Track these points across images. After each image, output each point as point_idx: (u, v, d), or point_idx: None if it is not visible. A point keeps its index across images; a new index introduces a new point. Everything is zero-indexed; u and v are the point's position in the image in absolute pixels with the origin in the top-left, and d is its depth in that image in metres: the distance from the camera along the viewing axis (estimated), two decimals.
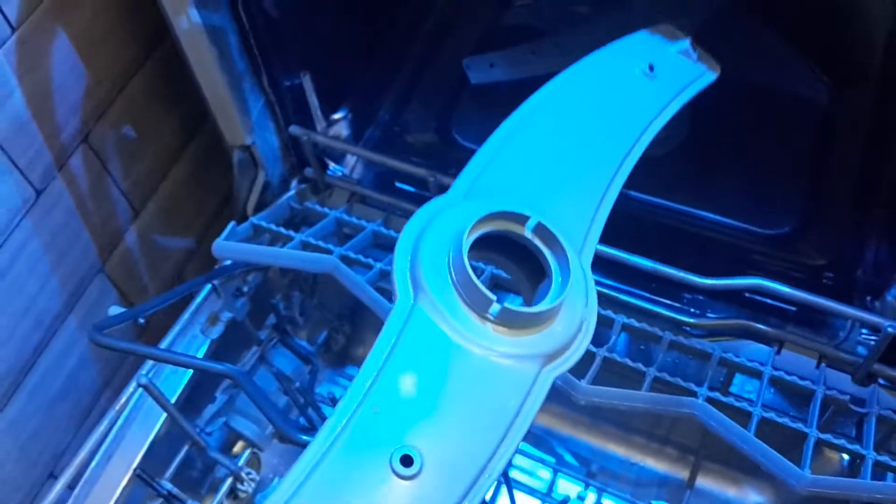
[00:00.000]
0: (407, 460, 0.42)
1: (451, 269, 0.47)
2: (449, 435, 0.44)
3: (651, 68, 0.60)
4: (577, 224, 0.52)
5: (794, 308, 0.79)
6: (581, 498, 0.90)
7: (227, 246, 0.78)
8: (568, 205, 0.52)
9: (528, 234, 0.49)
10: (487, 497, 0.85)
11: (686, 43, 0.64)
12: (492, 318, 0.46)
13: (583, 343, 0.48)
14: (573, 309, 0.48)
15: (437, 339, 0.46)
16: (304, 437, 0.73)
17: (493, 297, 0.46)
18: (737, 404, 0.65)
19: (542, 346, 0.46)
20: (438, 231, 0.49)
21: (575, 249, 0.50)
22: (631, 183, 0.91)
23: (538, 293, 0.50)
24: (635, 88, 0.58)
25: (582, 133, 0.56)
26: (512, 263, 0.51)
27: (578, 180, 0.53)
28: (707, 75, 0.62)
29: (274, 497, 0.41)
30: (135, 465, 0.75)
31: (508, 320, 0.46)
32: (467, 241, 0.47)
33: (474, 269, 0.47)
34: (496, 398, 0.45)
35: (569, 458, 0.94)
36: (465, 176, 0.54)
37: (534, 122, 0.57)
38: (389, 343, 0.46)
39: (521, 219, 0.49)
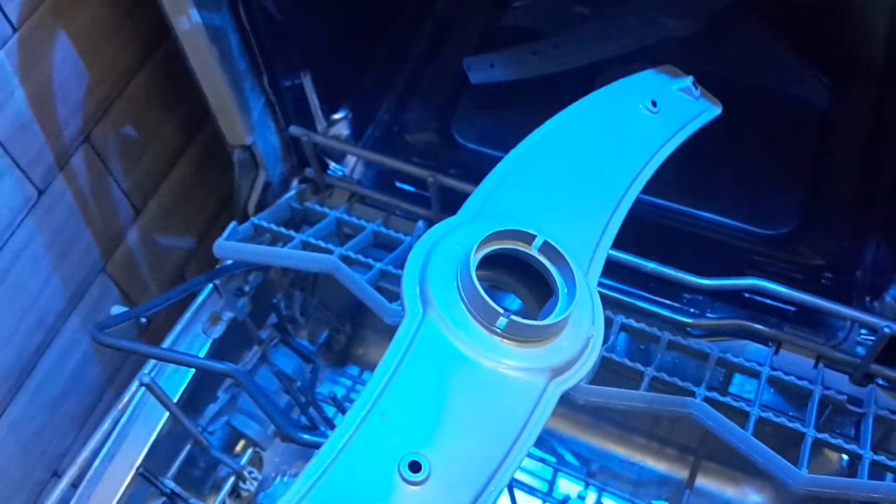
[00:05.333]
0: (415, 466, 0.43)
1: (460, 284, 0.48)
2: (457, 443, 0.45)
3: (654, 104, 0.62)
4: (582, 247, 0.53)
5: (793, 308, 0.80)
6: (581, 497, 0.90)
7: (228, 246, 0.78)
8: (574, 229, 0.54)
9: (534, 251, 0.50)
10: None
11: (688, 80, 0.66)
12: (500, 330, 0.47)
13: (590, 359, 0.49)
14: (579, 324, 0.49)
15: (446, 351, 0.47)
16: (305, 437, 0.73)
17: (501, 310, 0.47)
18: (735, 404, 0.65)
19: (549, 360, 0.47)
20: (447, 249, 0.50)
21: (581, 269, 0.52)
22: None
23: (545, 310, 0.51)
24: (639, 123, 0.60)
25: (587, 163, 0.58)
26: (520, 283, 0.52)
27: (584, 207, 0.55)
28: (711, 110, 0.64)
29: (284, 500, 0.43)
30: (138, 463, 0.76)
31: (516, 333, 0.47)
32: (475, 257, 0.48)
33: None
34: (504, 409, 0.46)
35: (569, 457, 0.94)
36: (473, 199, 0.55)
37: (541, 151, 0.59)
38: (399, 353, 0.47)
39: (529, 237, 0.50)
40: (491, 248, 0.50)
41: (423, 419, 0.45)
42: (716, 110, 0.65)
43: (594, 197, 0.56)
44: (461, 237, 0.51)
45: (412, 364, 0.47)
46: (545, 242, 0.50)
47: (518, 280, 0.52)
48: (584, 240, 0.53)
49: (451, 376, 0.46)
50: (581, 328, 0.49)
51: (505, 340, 0.47)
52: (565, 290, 0.50)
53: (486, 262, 0.50)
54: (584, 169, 0.57)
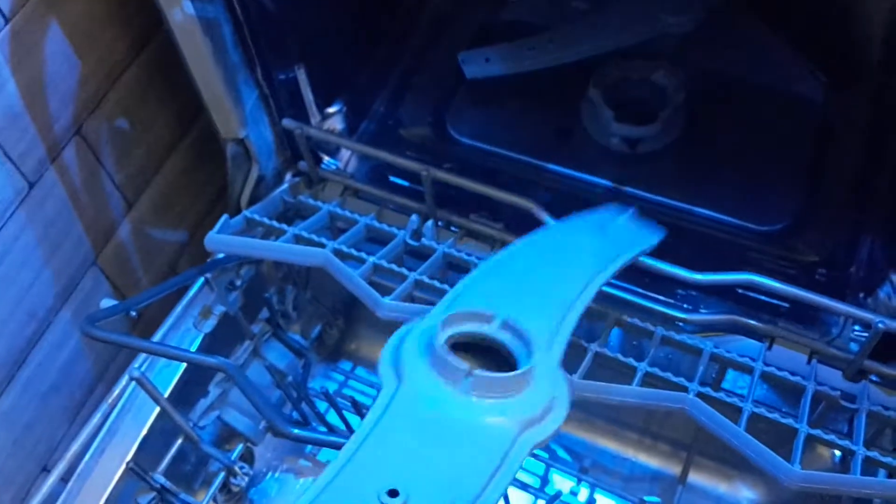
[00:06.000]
0: (392, 493, 0.47)
1: (428, 353, 0.56)
2: (433, 478, 0.50)
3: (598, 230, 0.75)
4: (544, 328, 0.60)
5: (787, 304, 0.79)
6: (574, 493, 0.90)
7: (220, 239, 0.78)
8: (536, 316, 0.61)
9: (495, 328, 0.58)
10: None
11: (631, 210, 0.78)
12: (467, 386, 0.54)
13: (558, 416, 0.56)
14: (542, 384, 0.56)
15: (421, 407, 0.54)
16: (297, 432, 0.73)
17: (465, 368, 0.54)
18: (728, 399, 0.65)
19: (515, 412, 0.54)
20: (418, 333, 0.58)
21: (541, 342, 0.59)
22: (626, 179, 0.91)
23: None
24: (591, 242, 0.73)
25: (548, 272, 0.69)
26: (491, 366, 0.58)
27: (544, 303, 0.64)
28: (652, 238, 0.75)
29: None
30: (128, 458, 0.75)
31: (482, 388, 0.54)
32: (442, 332, 0.56)
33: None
34: (478, 452, 0.52)
35: (561, 453, 0.94)
36: (444, 301, 0.63)
37: (508, 261, 0.70)
38: (377, 414, 0.53)
39: (490, 317, 0.58)
40: (457, 329, 0.57)
41: (402, 462, 0.51)
42: (657, 237, 0.76)
43: (553, 296, 0.65)
44: (431, 322, 0.59)
45: (390, 420, 0.53)
46: (503, 321, 0.58)
47: (488, 364, 0.58)
48: (545, 324, 0.61)
49: (427, 429, 0.53)
50: (544, 388, 0.56)
51: (475, 396, 0.54)
52: (524, 353, 0.57)
53: (458, 350, 0.57)
54: (546, 276, 0.68)
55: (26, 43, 0.74)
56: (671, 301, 0.80)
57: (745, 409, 0.64)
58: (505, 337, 0.58)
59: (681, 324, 0.77)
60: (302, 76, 0.89)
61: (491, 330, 0.58)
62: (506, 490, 0.51)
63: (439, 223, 0.85)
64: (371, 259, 0.75)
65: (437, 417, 0.53)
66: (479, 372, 0.54)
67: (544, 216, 0.78)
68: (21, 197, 0.78)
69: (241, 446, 0.87)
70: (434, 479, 0.50)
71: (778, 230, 0.87)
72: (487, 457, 0.51)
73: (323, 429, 0.81)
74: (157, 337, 0.80)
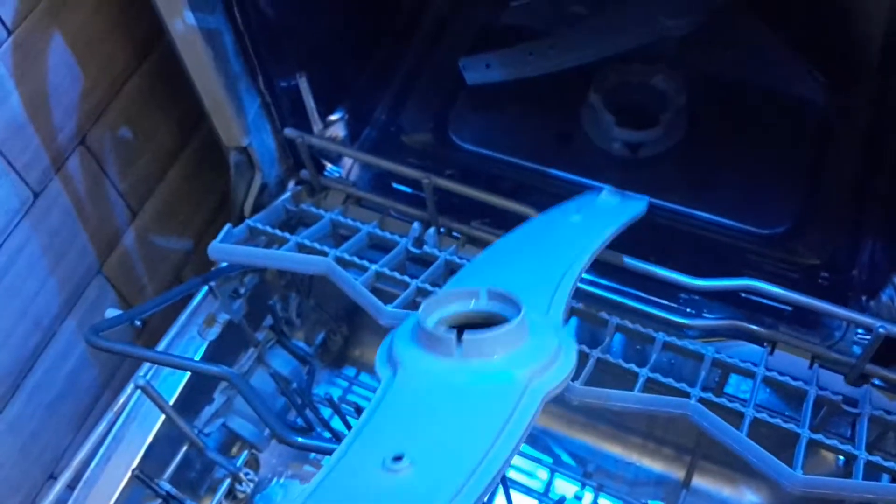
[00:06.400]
0: (397, 458, 0.46)
1: (418, 333, 0.55)
2: (440, 442, 0.48)
3: (577, 213, 0.75)
4: (538, 295, 0.60)
5: (789, 308, 0.79)
6: (578, 497, 0.90)
7: (223, 248, 0.78)
8: (527, 287, 0.60)
9: (483, 301, 0.57)
10: (484, 497, 0.85)
11: (606, 189, 0.79)
12: (460, 354, 0.52)
13: (567, 363, 0.54)
14: (544, 335, 0.55)
15: (419, 383, 0.53)
16: (300, 439, 0.73)
17: (453, 335, 0.52)
18: (730, 405, 0.65)
19: (516, 363, 0.52)
20: (407, 326, 0.58)
21: (536, 303, 0.59)
22: (627, 184, 0.92)
23: None
24: (576, 220, 0.74)
25: (534, 253, 0.69)
26: None
27: (535, 276, 0.64)
28: (637, 205, 0.77)
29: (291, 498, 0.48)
30: (134, 465, 0.76)
31: (475, 350, 0.52)
32: (427, 314, 0.55)
33: None
34: (482, 412, 0.50)
35: (566, 457, 0.94)
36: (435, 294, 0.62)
37: (491, 254, 0.70)
38: (377, 399, 0.53)
39: (475, 292, 0.57)
40: (445, 311, 0.56)
41: (407, 433, 0.50)
42: (640, 204, 0.77)
43: (544, 268, 0.65)
44: (417, 315, 0.57)
45: (391, 402, 0.52)
46: (489, 291, 0.56)
47: None
48: (539, 290, 0.61)
49: (428, 400, 0.52)
50: (546, 339, 0.54)
51: (471, 361, 0.52)
52: (515, 311, 0.55)
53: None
54: (534, 256, 0.68)
55: (29, 54, 0.75)
56: (673, 306, 0.81)
57: (747, 414, 0.64)
58: (494, 306, 0.56)
59: (683, 329, 0.77)
60: (303, 84, 0.89)
61: (479, 304, 0.57)
62: (521, 442, 0.49)
63: (441, 230, 0.86)
64: (373, 267, 0.75)
65: (437, 388, 0.52)
66: (468, 334, 0.52)
67: None
68: (26, 207, 0.79)
69: (245, 453, 0.87)
70: (440, 441, 0.49)
71: (779, 233, 0.87)
72: (494, 413, 0.49)
73: (327, 435, 0.81)
74: (161, 345, 0.81)
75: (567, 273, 0.63)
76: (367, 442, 0.49)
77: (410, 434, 0.49)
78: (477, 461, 0.46)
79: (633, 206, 0.75)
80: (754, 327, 0.76)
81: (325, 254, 0.77)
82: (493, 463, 0.47)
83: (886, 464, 0.63)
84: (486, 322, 0.56)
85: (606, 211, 0.75)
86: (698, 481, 0.88)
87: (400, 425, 0.50)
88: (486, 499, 0.46)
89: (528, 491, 0.90)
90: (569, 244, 0.67)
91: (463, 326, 0.56)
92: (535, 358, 0.52)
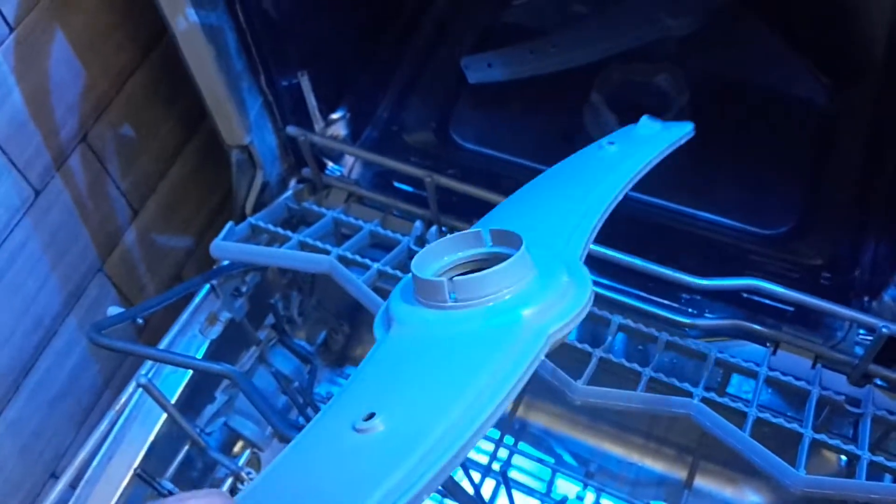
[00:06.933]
0: (368, 417, 0.41)
1: (410, 290, 0.48)
2: (418, 397, 0.43)
3: (611, 143, 0.65)
4: (557, 230, 0.53)
5: (791, 308, 0.79)
6: (580, 498, 0.90)
7: (225, 246, 0.78)
8: (548, 229, 0.54)
9: (487, 245, 0.50)
10: (486, 497, 0.85)
11: (644, 118, 0.68)
12: (454, 299, 0.46)
13: (576, 299, 0.46)
14: (552, 271, 0.47)
15: (411, 339, 0.47)
16: None
17: (444, 280, 0.46)
18: (732, 404, 0.65)
19: (516, 303, 0.45)
20: (404, 282, 0.51)
21: (551, 241, 0.52)
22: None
23: None
24: (601, 157, 0.64)
25: (560, 193, 0.61)
26: None
27: (558, 217, 0.56)
28: (678, 128, 0.67)
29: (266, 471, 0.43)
30: (136, 464, 0.75)
31: (469, 293, 0.46)
32: (419, 263, 0.48)
33: None
34: (479, 358, 0.44)
35: (567, 458, 0.94)
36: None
37: (518, 197, 0.63)
38: (364, 361, 0.47)
39: (479, 240, 0.50)
40: (444, 261, 0.50)
41: (388, 391, 0.44)
42: (684, 128, 0.67)
43: (567, 209, 0.57)
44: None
45: (378, 361, 0.47)
46: (491, 231, 0.49)
47: None
48: (559, 225, 0.53)
49: (420, 355, 0.46)
50: (553, 275, 0.47)
51: (466, 307, 0.46)
52: (516, 248, 0.48)
53: None
54: (557, 196, 0.60)
55: (31, 51, 0.74)
56: (675, 306, 0.81)
57: (749, 414, 0.64)
58: (499, 248, 0.49)
59: (685, 329, 0.77)
60: (305, 82, 0.89)
61: (482, 247, 0.50)
62: (519, 386, 0.42)
63: (443, 229, 0.86)
64: (375, 265, 0.75)
65: (427, 341, 0.46)
66: (459, 277, 0.46)
67: None
68: (27, 204, 0.78)
69: (247, 452, 0.87)
70: (420, 396, 0.43)
71: (782, 234, 0.87)
72: (488, 359, 0.43)
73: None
74: (163, 344, 0.81)
75: (594, 205, 0.55)
76: (344, 404, 0.44)
77: (391, 391, 0.44)
78: (459, 412, 0.40)
79: (675, 131, 0.67)
80: (757, 327, 0.76)
81: (327, 252, 0.77)
82: (479, 413, 0.40)
83: (889, 464, 0.63)
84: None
85: (645, 139, 0.66)
86: (700, 482, 0.87)
87: (382, 383, 0.45)
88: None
89: (529, 491, 0.90)
90: (600, 176, 0.59)
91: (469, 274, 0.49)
92: (538, 296, 0.45)
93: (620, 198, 0.57)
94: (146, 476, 0.75)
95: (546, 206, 0.59)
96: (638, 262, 0.75)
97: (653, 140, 0.65)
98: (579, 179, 0.61)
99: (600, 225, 0.55)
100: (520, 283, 0.45)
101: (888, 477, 0.64)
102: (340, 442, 0.41)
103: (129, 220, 0.93)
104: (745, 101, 0.96)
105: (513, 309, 0.45)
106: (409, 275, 0.49)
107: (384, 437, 0.40)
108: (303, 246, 0.79)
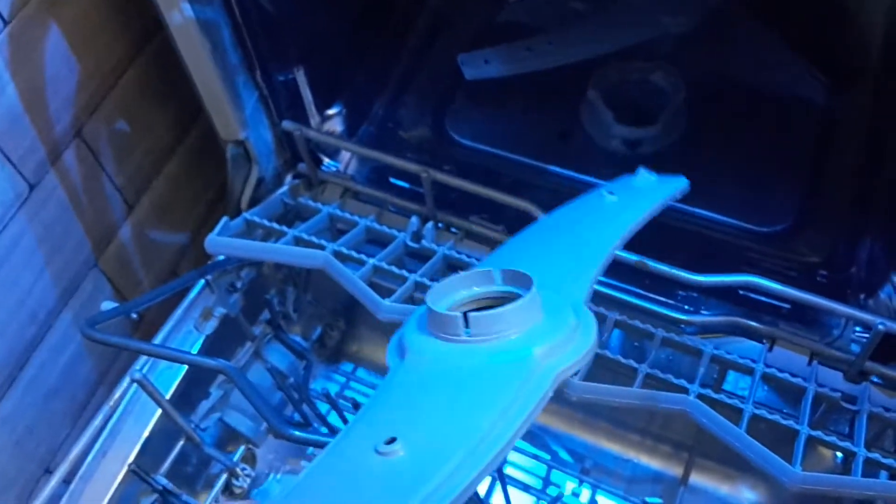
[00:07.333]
0: (390, 441, 0.44)
1: (425, 323, 0.52)
2: (437, 425, 0.46)
3: (611, 193, 0.69)
4: (563, 274, 0.57)
5: (787, 305, 0.79)
6: (575, 494, 0.90)
7: (220, 241, 0.78)
8: (551, 269, 0.58)
9: (498, 283, 0.53)
10: (482, 494, 0.85)
11: (640, 170, 0.71)
12: (468, 335, 0.50)
13: (586, 341, 0.50)
14: (560, 312, 0.51)
15: (424, 369, 0.50)
16: (297, 433, 0.73)
17: (459, 315, 0.49)
18: (729, 401, 0.65)
19: (527, 341, 0.49)
20: (416, 316, 0.55)
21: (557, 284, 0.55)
22: None
23: None
24: (603, 206, 0.68)
25: (564, 237, 0.65)
26: None
27: (562, 263, 0.60)
28: (674, 183, 0.71)
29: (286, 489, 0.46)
30: (130, 460, 0.75)
31: (484, 329, 0.49)
32: (434, 297, 0.52)
33: None
34: (488, 393, 0.47)
35: (563, 454, 0.94)
36: None
37: (514, 244, 0.66)
38: (381, 388, 0.51)
39: (489, 278, 0.53)
40: (457, 296, 0.53)
41: (406, 418, 0.47)
42: (679, 182, 0.71)
43: (571, 255, 0.61)
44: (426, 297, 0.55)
45: (393, 389, 0.50)
46: (502, 271, 0.53)
47: None
48: (565, 269, 0.58)
49: (433, 384, 0.49)
50: (562, 316, 0.51)
51: (479, 342, 0.49)
52: (527, 290, 0.52)
53: None
54: (561, 241, 0.64)
55: (25, 45, 0.74)
56: (672, 303, 0.80)
57: (745, 411, 0.64)
58: (509, 287, 0.52)
59: (682, 325, 0.77)
60: (301, 78, 0.89)
61: (492, 285, 0.53)
62: (528, 422, 0.46)
63: (439, 225, 0.85)
64: (371, 261, 0.75)
65: (442, 372, 0.49)
66: (473, 313, 0.49)
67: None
68: (22, 199, 0.78)
69: (242, 448, 0.87)
70: (439, 424, 0.46)
71: (779, 231, 0.87)
72: (501, 393, 0.46)
73: (324, 430, 0.81)
74: (158, 339, 0.81)
75: (596, 253, 0.59)
76: (365, 427, 0.48)
77: (410, 418, 0.47)
78: (475, 443, 0.44)
79: (670, 186, 0.71)
80: (753, 324, 0.76)
81: (322, 247, 0.77)
82: (492, 445, 0.44)
83: (885, 461, 0.63)
84: (502, 305, 0.52)
85: (641, 191, 0.70)
86: (696, 478, 0.87)
87: (401, 410, 0.48)
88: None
89: (525, 488, 0.90)
90: (601, 226, 0.63)
91: (478, 310, 0.52)
92: (548, 336, 0.49)
93: (620, 248, 0.62)
94: (141, 472, 0.75)
95: (551, 249, 0.63)
96: (635, 258, 0.75)
97: (649, 192, 0.69)
98: (581, 227, 0.65)
99: (601, 273, 0.59)
100: (530, 322, 0.49)
101: (884, 474, 0.64)
102: (363, 463, 0.44)
103: (124, 215, 0.92)
104: (742, 98, 0.97)
105: (524, 347, 0.48)
106: (423, 306, 0.52)
107: (405, 461, 0.43)
108: (298, 241, 0.78)
